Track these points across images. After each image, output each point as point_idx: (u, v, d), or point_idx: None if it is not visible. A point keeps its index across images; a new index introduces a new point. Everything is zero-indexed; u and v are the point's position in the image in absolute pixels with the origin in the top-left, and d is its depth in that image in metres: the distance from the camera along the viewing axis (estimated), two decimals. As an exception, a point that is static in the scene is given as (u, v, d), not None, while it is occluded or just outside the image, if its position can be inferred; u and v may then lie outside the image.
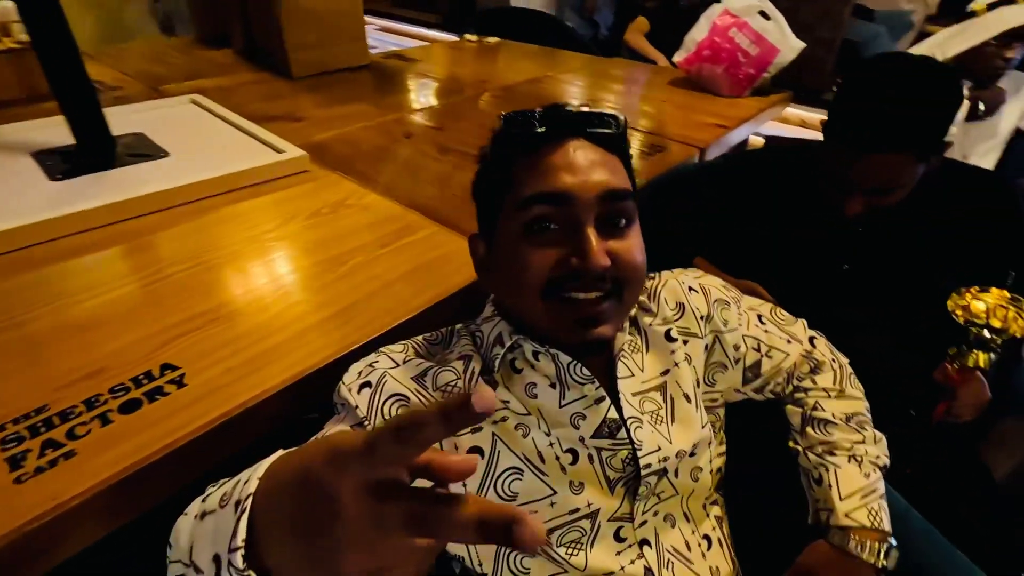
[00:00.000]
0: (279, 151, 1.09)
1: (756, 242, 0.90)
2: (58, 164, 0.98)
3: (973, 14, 1.33)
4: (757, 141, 1.86)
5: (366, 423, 0.48)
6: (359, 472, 0.24)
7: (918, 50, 1.44)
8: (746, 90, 1.64)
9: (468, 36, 2.30)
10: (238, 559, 0.27)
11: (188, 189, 0.94)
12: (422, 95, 1.68)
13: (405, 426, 0.23)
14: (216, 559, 0.29)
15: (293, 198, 0.99)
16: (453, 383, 0.53)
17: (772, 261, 0.87)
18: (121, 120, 1.13)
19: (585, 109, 0.51)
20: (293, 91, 1.62)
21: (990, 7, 1.30)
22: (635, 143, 1.30)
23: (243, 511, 0.28)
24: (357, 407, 0.49)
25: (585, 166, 0.49)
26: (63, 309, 0.69)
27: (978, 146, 1.41)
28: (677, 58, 1.70)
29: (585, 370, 0.53)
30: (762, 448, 0.66)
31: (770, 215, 0.90)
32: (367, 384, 0.50)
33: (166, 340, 0.66)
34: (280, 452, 0.31)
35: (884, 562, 0.54)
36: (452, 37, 5.41)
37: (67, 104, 0.97)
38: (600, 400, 0.53)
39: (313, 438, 0.47)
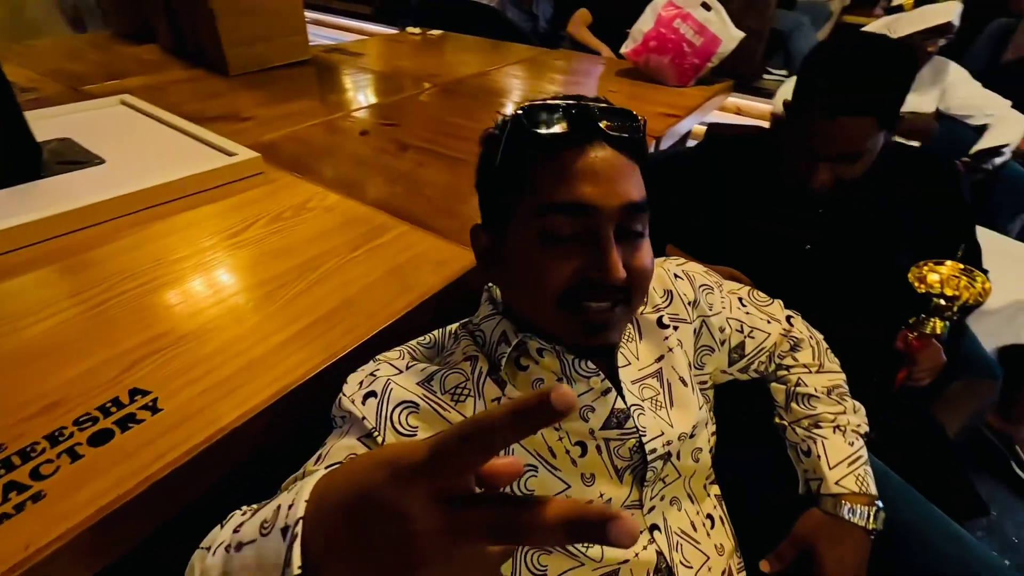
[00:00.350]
0: (230, 153, 1.03)
1: (720, 229, 0.93)
2: (-25, 176, 0.88)
3: (900, 8, 1.43)
4: (699, 129, 1.93)
5: (375, 434, 0.46)
6: (427, 485, 0.22)
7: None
8: (692, 80, 1.69)
9: (411, 29, 2.25)
10: None
11: (134, 197, 0.87)
12: (371, 91, 1.62)
13: (474, 433, 0.21)
14: None
15: (250, 202, 0.94)
16: (463, 385, 0.51)
17: (738, 247, 0.90)
18: (43, 125, 1.03)
19: (606, 107, 0.49)
20: (231, 89, 1.53)
21: (916, 3, 1.40)
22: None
23: (294, 537, 0.26)
24: (364, 418, 0.47)
25: (608, 175, 0.47)
26: (1, 339, 0.63)
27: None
28: (624, 49, 1.73)
29: (590, 364, 0.53)
30: (748, 427, 0.68)
31: (732, 203, 0.93)
32: (372, 394, 0.48)
33: (130, 363, 0.61)
34: (320, 472, 0.29)
35: (874, 524, 0.57)
36: (388, 30, 5.26)
37: (-19, 108, 0.88)
38: (607, 392, 0.53)
39: (350, 456, 0.45)
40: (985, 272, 0.76)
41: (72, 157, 0.98)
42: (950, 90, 1.54)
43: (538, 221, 0.48)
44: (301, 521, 0.26)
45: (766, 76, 3.74)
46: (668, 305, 0.61)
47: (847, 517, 0.57)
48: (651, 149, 1.34)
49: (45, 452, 0.50)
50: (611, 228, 0.47)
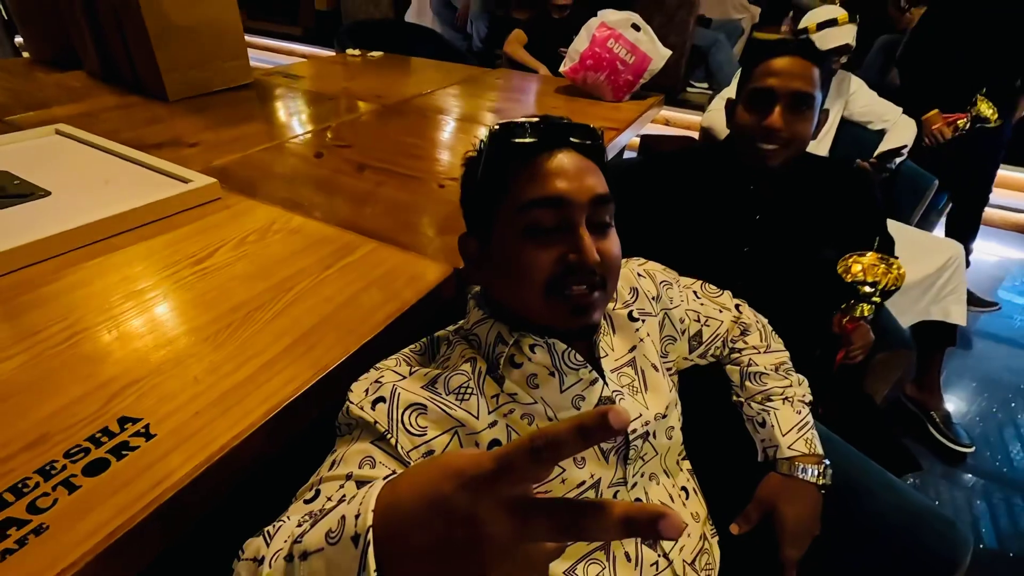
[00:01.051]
0: (184, 180, 1.02)
1: (665, 237, 1.02)
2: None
3: (806, 31, 1.60)
4: (634, 141, 2.05)
5: (388, 436, 0.49)
6: (495, 492, 0.25)
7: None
8: (626, 95, 1.81)
9: (351, 51, 2.26)
10: None
11: (89, 229, 0.85)
12: (319, 113, 1.63)
13: (543, 445, 0.24)
14: None
15: (212, 227, 0.94)
16: (465, 385, 0.55)
17: (684, 252, 0.99)
18: (-26, 157, 0.98)
19: (568, 122, 0.56)
20: (171, 115, 1.49)
21: (819, 27, 1.58)
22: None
23: (368, 544, 0.28)
24: (376, 423, 0.50)
25: (576, 173, 0.54)
26: (-32, 377, 0.60)
27: (823, 137, 1.71)
28: (563, 68, 1.83)
29: (579, 356, 0.58)
30: (711, 408, 0.75)
31: (675, 212, 1.02)
32: (380, 399, 0.51)
33: (111, 395, 0.60)
34: (379, 483, 0.31)
35: (824, 480, 0.65)
36: (319, 51, 5.20)
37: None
38: (594, 381, 0.59)
39: (366, 458, 0.48)
40: (898, 259, 0.88)
41: (14, 191, 0.95)
42: (852, 100, 1.74)
43: (521, 217, 0.54)
44: (371, 529, 0.28)
45: (689, 89, 4.01)
46: (635, 301, 0.68)
47: (801, 476, 0.65)
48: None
49: (39, 486, 0.50)
50: (583, 217, 0.53)
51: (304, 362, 0.67)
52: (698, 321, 0.74)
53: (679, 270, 0.82)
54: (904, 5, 3.32)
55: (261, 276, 0.82)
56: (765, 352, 0.76)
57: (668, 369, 0.69)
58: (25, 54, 2.30)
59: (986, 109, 1.68)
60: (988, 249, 2.74)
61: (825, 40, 1.57)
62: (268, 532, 0.38)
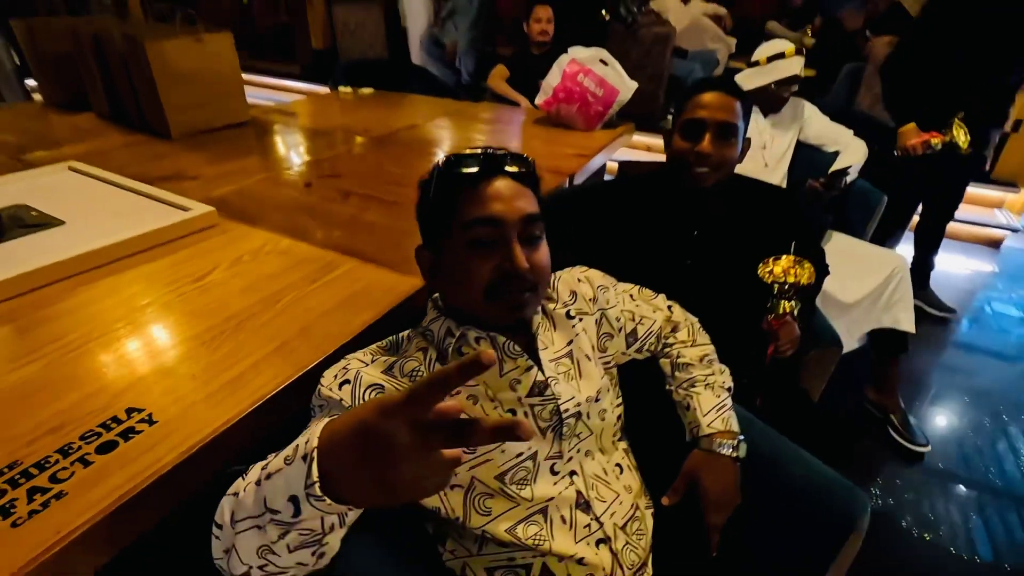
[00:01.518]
0: (184, 209, 1.13)
1: (620, 252, 1.13)
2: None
3: (757, 63, 1.75)
4: (612, 166, 2.18)
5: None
6: (405, 414, 0.35)
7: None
8: (597, 124, 1.94)
9: (343, 88, 2.41)
10: (316, 490, 0.38)
11: (100, 253, 0.96)
12: (310, 147, 1.76)
13: (435, 380, 0.35)
14: (293, 499, 0.39)
15: (210, 250, 1.04)
16: (417, 369, 0.66)
17: (635, 263, 1.10)
18: (-4, 193, 1.10)
19: (505, 153, 0.67)
20: (173, 151, 1.62)
21: (769, 60, 1.72)
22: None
23: (312, 460, 0.38)
24: (342, 400, 0.60)
25: (510, 196, 0.64)
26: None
27: (778, 160, 1.83)
28: (538, 101, 1.97)
29: (516, 346, 0.68)
30: (649, 398, 0.85)
31: (628, 230, 1.14)
32: (346, 381, 0.61)
33: (121, 388, 0.70)
34: (325, 419, 0.41)
35: (738, 453, 0.75)
36: (316, 87, 5.40)
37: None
38: (529, 368, 0.68)
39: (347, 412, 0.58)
40: (813, 260, 0.99)
41: (32, 221, 1.06)
42: (807, 125, 1.87)
43: (465, 233, 0.64)
44: (316, 449, 0.39)
45: (668, 117, 4.16)
46: (574, 303, 0.78)
47: (719, 451, 0.74)
48: (565, 185, 1.55)
49: (59, 462, 0.59)
50: (515, 234, 0.64)
51: (287, 362, 0.76)
52: (633, 320, 0.84)
53: (633, 281, 0.92)
54: (868, 35, 3.52)
55: (252, 291, 0.92)
56: (692, 346, 0.86)
57: (606, 363, 0.79)
58: (36, 96, 2.46)
59: (960, 136, 1.76)
60: (958, 262, 2.86)
61: (776, 71, 1.71)
62: (244, 473, 0.48)
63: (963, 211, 3.08)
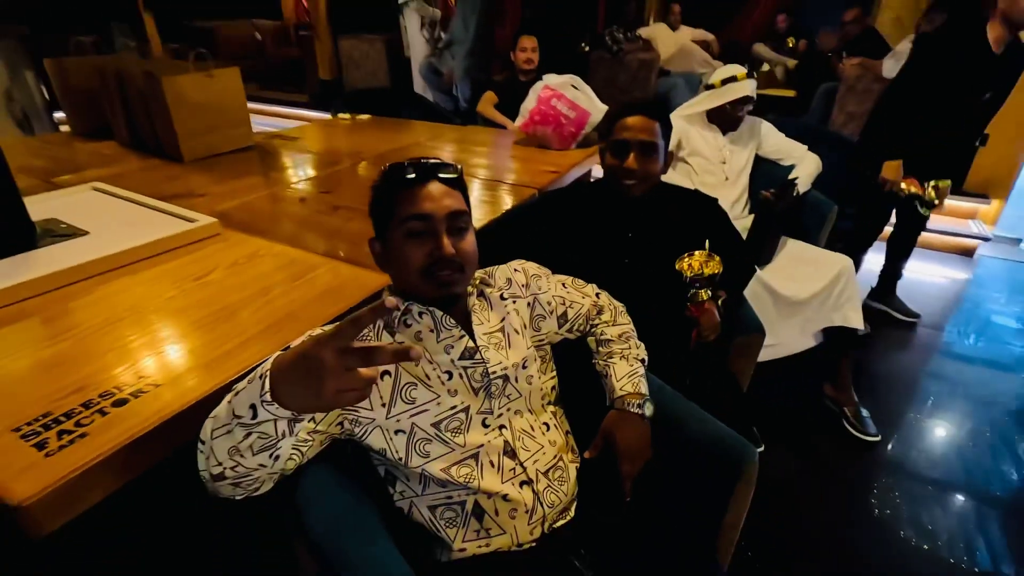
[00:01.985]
0: (191, 220, 1.30)
1: (568, 252, 1.28)
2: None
3: (713, 86, 1.91)
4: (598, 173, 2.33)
5: None
6: (332, 344, 0.51)
7: (682, 110, 2.01)
8: (572, 143, 2.10)
9: (342, 115, 2.61)
10: (268, 397, 0.53)
11: (117, 256, 1.12)
12: (307, 167, 1.94)
13: (355, 318, 0.50)
14: (252, 406, 0.54)
15: (211, 255, 1.21)
16: (365, 335, 0.80)
17: (581, 263, 1.25)
18: (29, 209, 1.27)
19: (435, 161, 0.82)
20: (185, 173, 1.80)
21: (723, 83, 1.88)
22: (490, 187, 1.67)
23: (264, 377, 0.54)
24: None
25: (439, 196, 0.80)
26: (34, 352, 0.86)
27: (737, 173, 1.98)
28: (517, 123, 2.14)
29: (451, 319, 0.83)
30: (581, 371, 0.98)
31: (574, 234, 1.29)
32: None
33: (133, 361, 0.85)
34: (277, 353, 0.56)
35: (644, 411, 0.88)
36: (322, 115, 5.66)
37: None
38: (462, 337, 0.83)
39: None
40: (738, 257, 1.13)
41: (61, 232, 1.23)
42: (764, 141, 2.01)
43: (403, 226, 0.79)
44: (268, 371, 0.54)
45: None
46: (509, 288, 0.93)
47: (629, 409, 0.88)
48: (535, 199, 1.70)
49: (82, 413, 0.74)
50: (443, 226, 0.79)
51: (271, 341, 0.91)
52: (564, 304, 0.98)
53: (582, 276, 1.07)
54: (844, 56, 3.69)
55: (246, 286, 1.08)
56: (612, 325, 1.00)
57: (540, 340, 0.93)
58: (64, 127, 2.68)
59: (933, 196, 1.88)
60: (934, 271, 2.96)
61: (729, 92, 1.86)
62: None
63: (939, 222, 3.20)
